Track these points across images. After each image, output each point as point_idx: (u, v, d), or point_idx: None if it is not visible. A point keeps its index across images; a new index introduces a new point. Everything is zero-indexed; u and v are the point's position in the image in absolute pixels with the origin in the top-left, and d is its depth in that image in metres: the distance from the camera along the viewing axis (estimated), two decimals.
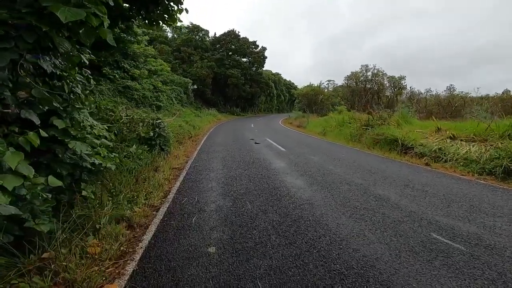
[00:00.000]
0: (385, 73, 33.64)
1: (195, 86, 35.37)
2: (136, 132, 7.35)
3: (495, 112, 12.35)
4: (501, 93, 36.63)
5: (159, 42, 32.18)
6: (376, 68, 32.70)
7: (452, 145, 9.16)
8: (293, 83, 62.11)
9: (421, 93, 40.20)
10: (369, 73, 33.35)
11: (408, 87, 37.03)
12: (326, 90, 37.04)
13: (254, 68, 42.15)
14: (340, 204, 4.25)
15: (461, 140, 9.46)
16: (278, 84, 54.29)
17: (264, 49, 42.38)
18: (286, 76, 66.12)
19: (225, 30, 40.73)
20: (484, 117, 11.56)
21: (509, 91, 33.02)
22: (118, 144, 6.26)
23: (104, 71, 13.93)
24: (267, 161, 7.46)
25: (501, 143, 7.94)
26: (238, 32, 40.78)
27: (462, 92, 36.98)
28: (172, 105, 21.28)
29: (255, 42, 41.76)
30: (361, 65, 35.37)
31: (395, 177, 6.08)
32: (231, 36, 40.11)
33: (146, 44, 20.53)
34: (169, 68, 24.41)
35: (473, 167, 7.44)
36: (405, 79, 35.70)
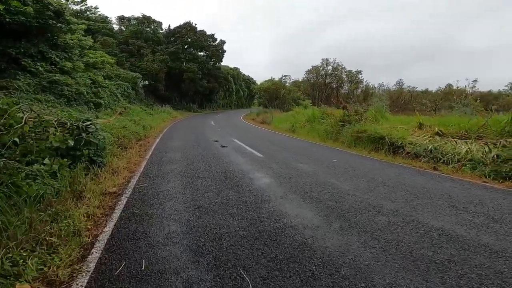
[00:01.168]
0: (344, 67, 33.85)
1: (147, 82, 31.98)
2: (50, 140, 4.89)
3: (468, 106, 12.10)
4: (443, 87, 39.34)
5: (103, 34, 27.89)
6: (336, 62, 32.59)
7: (446, 143, 8.24)
8: (252, 78, 60.63)
9: (375, 87, 41.75)
10: (330, 67, 33.20)
11: (364, 82, 38.01)
12: (287, 85, 36.11)
13: (212, 63, 39.62)
14: (404, 259, 2.53)
15: (452, 137, 8.61)
16: (237, 79, 52.30)
17: (222, 42, 39.96)
18: (244, 71, 64.29)
19: (181, 22, 37.43)
20: (464, 112, 11.09)
21: (451, 85, 35.53)
22: (11, 162, 3.85)
23: (24, 63, 10.84)
24: (245, 176, 5.52)
25: (506, 140, 7.12)
26: (195, 24, 37.91)
27: (410, 86, 39.05)
28: (116, 102, 18.09)
29: (213, 35, 39.15)
30: (322, 59, 35.17)
31: (424, 192, 4.63)
32: (187, 28, 37.15)
33: (83, 34, 17.13)
34: (112, 61, 20.88)
35: (483, 170, 6.44)
36: (361, 73, 36.46)
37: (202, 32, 38.17)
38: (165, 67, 31.57)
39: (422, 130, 9.97)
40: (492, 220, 3.49)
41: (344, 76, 34.45)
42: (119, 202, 4.04)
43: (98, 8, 33.40)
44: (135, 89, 24.24)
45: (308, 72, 34.97)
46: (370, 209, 3.82)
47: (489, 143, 7.52)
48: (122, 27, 34.11)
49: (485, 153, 7.13)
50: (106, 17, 29.60)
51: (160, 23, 35.72)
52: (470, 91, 33.62)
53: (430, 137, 9.09)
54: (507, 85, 44.03)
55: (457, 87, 35.77)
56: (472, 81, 31.45)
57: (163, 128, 16.18)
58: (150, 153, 7.93)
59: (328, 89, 34.24)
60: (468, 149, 7.51)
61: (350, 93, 37.21)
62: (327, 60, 33.26)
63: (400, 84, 43.52)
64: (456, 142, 8.15)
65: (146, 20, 33.59)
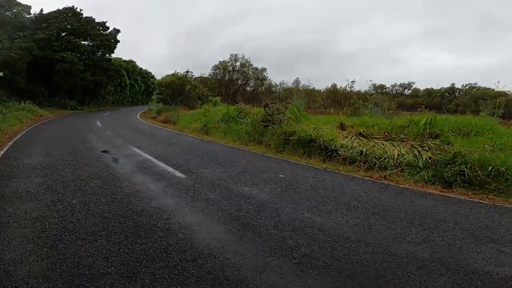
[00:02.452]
0: (252, 64, 33.65)
1: (1, 74, 24.04)
2: None
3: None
4: (330, 86, 44.31)
5: None
6: (244, 58, 31.95)
7: (374, 146, 7.95)
8: (150, 73, 54.07)
9: (277, 85, 43.79)
10: (238, 63, 32.31)
11: (268, 79, 39.07)
12: (193, 80, 33.19)
13: (100, 53, 32.71)
14: None
15: (376, 139, 8.46)
16: (132, 73, 45.42)
17: (116, 31, 33.49)
18: (142, 65, 56.73)
19: (60, 7, 29.37)
20: (369, 111, 11.51)
21: (336, 85, 40.44)
22: None
23: None
24: (175, 231, 3.21)
25: (433, 143, 7.16)
26: (80, 10, 30.65)
27: (304, 85, 42.44)
28: None
29: (104, 23, 32.38)
30: (231, 54, 33.91)
31: (437, 223, 3.52)
32: (67, 13, 29.73)
33: None
34: None
35: (422, 175, 6.14)
36: (266, 71, 37.24)
37: (89, 19, 31.17)
38: (28, 56, 23.89)
39: (345, 131, 9.71)
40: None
41: (250, 73, 34.35)
42: None
43: None
44: None
45: (215, 67, 33.21)
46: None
47: (415, 145, 7.53)
48: None
49: (416, 157, 7.01)
50: None
51: (27, 7, 27.46)
52: (350, 90, 39.19)
53: (355, 138, 8.78)
54: (370, 86, 53.63)
55: (340, 87, 40.89)
56: (351, 81, 36.57)
57: (18, 131, 11.25)
58: None
59: (235, 86, 33.42)
60: (399, 152, 7.30)
61: (255, 90, 37.54)
62: (235, 55, 32.30)
63: (297, 82, 47.21)
64: (383, 144, 7.95)
65: (6, 3, 24.79)
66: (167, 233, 2.97)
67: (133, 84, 46.59)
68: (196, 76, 37.94)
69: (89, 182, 4.53)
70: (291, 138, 8.92)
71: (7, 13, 25.34)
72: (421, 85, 70.97)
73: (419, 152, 7.18)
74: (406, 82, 65.26)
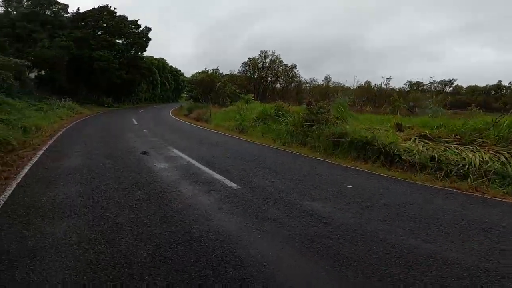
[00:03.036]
0: (282, 61, 32.59)
1: (42, 72, 25.32)
2: None
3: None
4: (362, 83, 41.95)
5: None
6: (274, 54, 31.00)
7: (446, 150, 6.78)
8: (179, 70, 54.84)
9: (307, 82, 42.29)
10: (268, 60, 31.43)
11: (298, 76, 37.76)
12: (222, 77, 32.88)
13: (133, 51, 33.44)
14: None
15: (446, 143, 7.26)
16: (163, 71, 46.25)
17: (147, 29, 34.04)
18: (171, 63, 57.69)
19: (95, 6, 30.44)
20: (430, 111, 10.18)
21: (369, 82, 38.16)
22: None
23: None
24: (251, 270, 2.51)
25: None
26: (114, 8, 31.32)
27: (335, 82, 40.72)
28: None
29: (136, 21, 33.00)
30: (261, 51, 33.09)
31: None
32: (103, 12, 30.40)
33: None
34: None
35: None
36: (296, 68, 35.98)
37: (123, 17, 31.88)
38: (68, 55, 24.77)
39: (403, 133, 8.57)
40: None
41: (280, 70, 33.29)
42: None
43: None
44: (20, 79, 17.71)
45: (244, 64, 32.56)
46: None
47: (501, 151, 6.28)
48: (9, 9, 25.68)
49: (504, 164, 5.80)
50: None
51: (65, 6, 28.35)
52: (385, 87, 36.79)
53: (419, 141, 7.65)
54: (405, 83, 50.11)
55: (375, 84, 38.57)
56: (387, 78, 34.21)
57: (58, 129, 11.31)
58: (15, 185, 4.06)
59: (265, 83, 32.60)
60: (481, 159, 6.10)
61: (285, 88, 36.47)
62: (265, 52, 31.39)
63: (328, 79, 45.33)
64: (457, 149, 6.75)
65: (45, 2, 25.84)
66: (241, 272, 2.26)
67: (164, 82, 47.47)
68: (224, 74, 37.73)
69: (133, 193, 3.96)
70: (342, 139, 7.98)
71: (46, 12, 26.30)
72: (461, 82, 65.54)
73: (506, 159, 5.98)
74: (447, 79, 60.35)
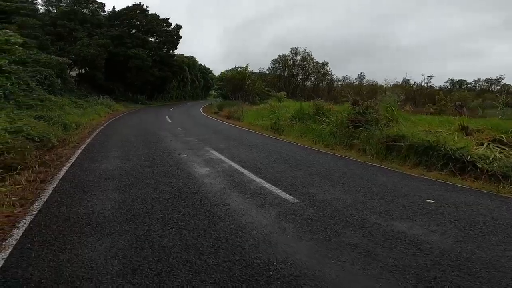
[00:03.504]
0: (313, 58, 31.37)
1: (82, 71, 26.27)
2: None
3: None
4: (401, 81, 39.43)
5: (22, 15, 20.84)
6: (306, 51, 29.88)
7: None
8: (208, 68, 55.35)
9: (339, 80, 40.53)
10: (299, 57, 30.38)
11: (330, 74, 36.25)
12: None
13: (165, 49, 34.08)
14: None
15: None
16: (193, 69, 46.83)
17: (178, 27, 34.54)
18: (200, 61, 58.49)
19: (129, 4, 31.43)
20: (500, 112, 8.81)
21: (408, 80, 35.59)
22: None
23: None
24: None
25: None
26: (147, 7, 32.09)
27: (369, 80, 38.61)
28: (29, 92, 12.61)
29: (167, 19, 33.65)
30: (291, 48, 32.17)
31: None
32: (136, 11, 31.22)
33: None
34: (20, 40, 14.85)
35: None
36: (328, 65, 34.52)
37: (155, 16, 32.61)
38: (105, 53, 25.55)
39: (471, 136, 7.43)
40: None
41: (311, 67, 32.08)
42: None
43: None
44: (62, 77, 18.41)
45: (274, 62, 31.77)
46: None
47: None
48: (50, 8, 27.08)
49: None
50: None
51: (102, 4, 29.37)
52: (426, 86, 34.10)
53: (494, 147, 6.53)
54: (446, 81, 46.35)
55: (414, 82, 35.93)
56: (428, 76, 31.69)
57: (96, 126, 11.40)
58: (51, 189, 3.73)
59: (296, 81, 31.61)
60: None
61: (316, 86, 35.19)
62: (296, 49, 30.36)
63: (362, 77, 43.13)
64: None
65: (83, 0, 26.94)
66: None
67: (193, 80, 48.08)
68: (252, 71, 37.18)
69: (176, 205, 3.45)
70: (398, 143, 7.04)
71: (85, 11, 27.26)
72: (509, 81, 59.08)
73: None
74: (493, 77, 54.79)
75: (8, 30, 14.56)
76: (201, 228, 2.90)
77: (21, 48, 14.62)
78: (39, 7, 26.30)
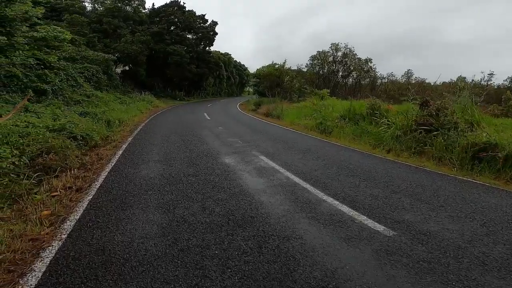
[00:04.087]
0: (356, 54, 29.25)
1: (126, 68, 27.01)
2: None
3: None
4: (454, 80, 35.50)
5: (71, 12, 22.02)
6: (348, 47, 27.95)
7: None
8: (243, 65, 55.01)
9: (384, 77, 37.61)
10: (339, 53, 28.53)
11: (374, 71, 33.71)
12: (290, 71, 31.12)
13: (202, 46, 34.20)
14: None
15: None
16: (228, 66, 46.74)
17: (214, 24, 34.46)
18: (235, 57, 58.51)
19: (167, 1, 32.00)
20: None
21: (464, 78, 31.82)
22: None
23: None
24: None
25: None
26: (184, 3, 32.40)
27: (418, 77, 35.21)
28: (76, 89, 12.92)
29: (203, 16, 33.73)
30: (331, 43, 30.36)
31: None
32: (173, 7, 31.69)
33: (33, 6, 11.81)
34: (68, 37, 15.36)
35: None
36: (371, 62, 32.05)
37: (191, 12, 32.80)
38: (147, 49, 26.09)
39: None
40: None
41: (353, 64, 29.96)
42: None
43: None
44: (108, 73, 18.94)
45: (313, 58, 30.17)
46: None
47: None
48: (96, 5, 28.38)
49: None
50: None
51: (143, 1, 30.02)
52: (486, 84, 30.22)
53: None
54: (506, 80, 40.88)
55: (472, 80, 32.01)
56: (488, 74, 28.17)
57: (138, 123, 11.21)
58: (87, 203, 3.16)
59: (336, 78, 29.79)
60: None
61: (358, 83, 32.94)
62: (337, 45, 28.48)
63: (409, 74, 39.65)
64: None
65: None
66: None
67: (229, 76, 48.04)
68: (289, 68, 35.84)
69: (235, 238, 2.63)
70: (490, 153, 5.65)
71: (127, 8, 28.01)
72: None
73: None
74: None
75: (57, 27, 15.13)
76: (274, 278, 2.06)
77: (70, 45, 15.12)
78: (86, 4, 27.66)
